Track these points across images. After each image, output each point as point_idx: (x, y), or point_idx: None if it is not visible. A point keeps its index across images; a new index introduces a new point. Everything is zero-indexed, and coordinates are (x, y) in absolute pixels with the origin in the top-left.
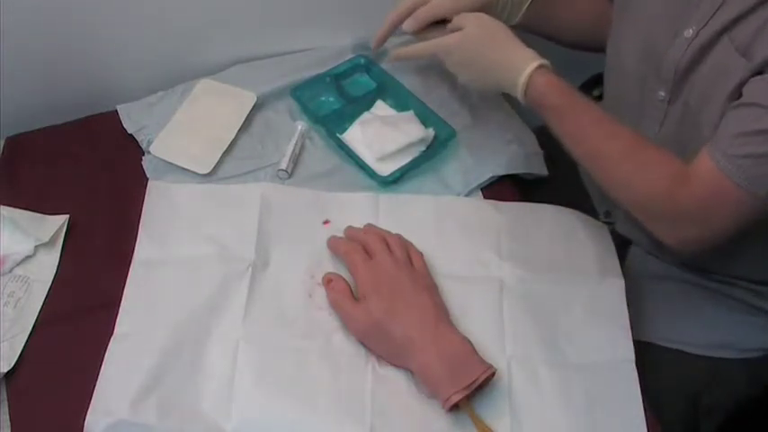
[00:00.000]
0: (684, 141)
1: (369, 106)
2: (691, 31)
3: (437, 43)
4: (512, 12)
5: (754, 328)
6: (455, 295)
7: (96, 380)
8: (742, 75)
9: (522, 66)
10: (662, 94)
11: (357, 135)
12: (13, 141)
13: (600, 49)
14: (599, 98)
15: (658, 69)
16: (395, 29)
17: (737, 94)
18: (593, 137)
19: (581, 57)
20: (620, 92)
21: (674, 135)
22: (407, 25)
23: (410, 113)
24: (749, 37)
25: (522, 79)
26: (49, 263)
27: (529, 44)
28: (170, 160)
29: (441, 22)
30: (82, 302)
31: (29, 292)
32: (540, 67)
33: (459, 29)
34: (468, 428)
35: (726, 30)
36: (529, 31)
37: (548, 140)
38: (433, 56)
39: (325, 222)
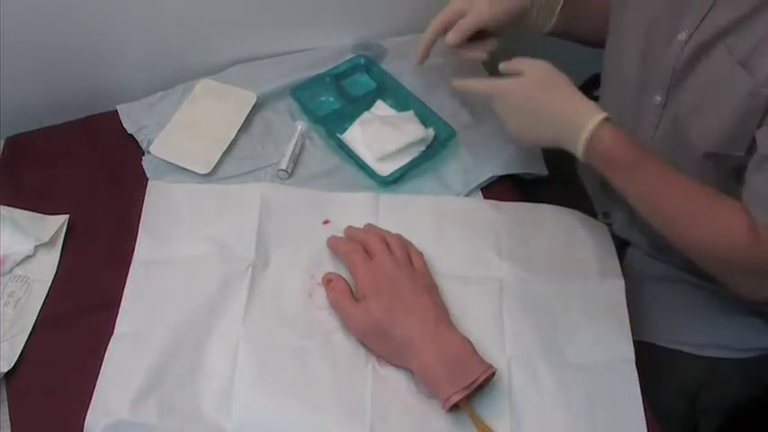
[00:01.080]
0: (677, 146)
1: (369, 106)
2: (684, 34)
3: (498, 85)
4: (546, 17)
5: (752, 328)
6: (455, 295)
7: (96, 380)
8: (744, 87)
9: (585, 120)
10: (658, 98)
11: (357, 135)
12: (13, 141)
13: None
14: (598, 98)
15: (655, 73)
16: (437, 39)
17: (745, 106)
18: (665, 197)
19: (581, 57)
20: (619, 95)
21: (667, 140)
22: (451, 38)
23: (410, 113)
24: (749, 47)
25: (586, 134)
26: (49, 263)
27: (526, 43)
28: (170, 160)
29: (478, 35)
30: (82, 302)
31: (29, 292)
32: (605, 120)
33: (516, 72)
34: (468, 428)
35: (721, 36)
36: (558, 37)
37: None
38: (489, 97)
39: (325, 222)
